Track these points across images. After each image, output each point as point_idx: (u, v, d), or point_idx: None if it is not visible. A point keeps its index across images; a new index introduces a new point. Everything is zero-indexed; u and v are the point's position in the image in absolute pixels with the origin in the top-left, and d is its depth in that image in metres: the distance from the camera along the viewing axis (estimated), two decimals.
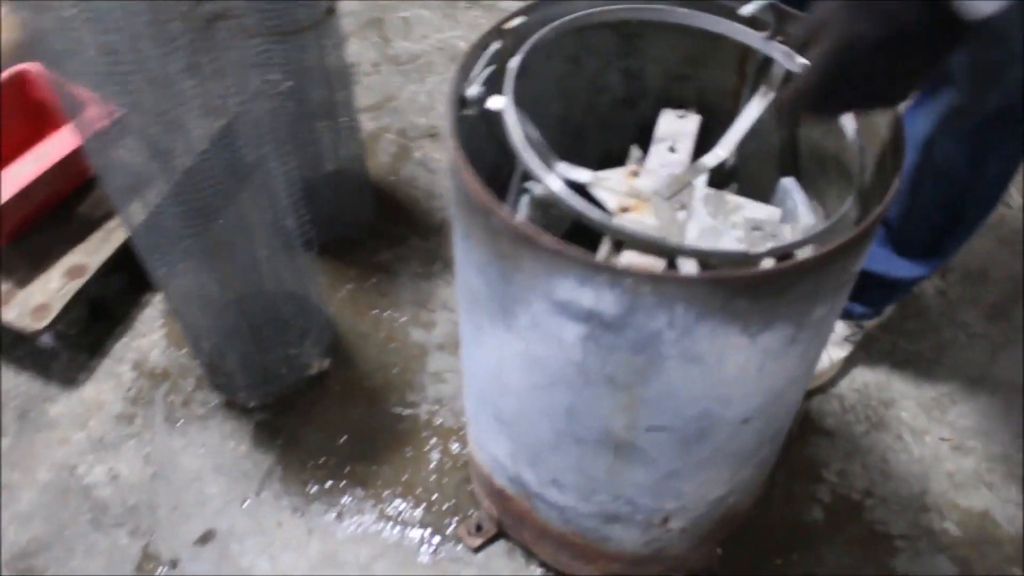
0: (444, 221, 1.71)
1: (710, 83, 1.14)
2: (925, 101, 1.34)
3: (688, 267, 0.91)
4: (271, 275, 1.33)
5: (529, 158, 0.88)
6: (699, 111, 1.13)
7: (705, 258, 0.83)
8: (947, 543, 1.31)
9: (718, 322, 0.79)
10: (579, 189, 0.98)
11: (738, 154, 1.08)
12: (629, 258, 0.95)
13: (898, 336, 1.54)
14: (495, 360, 0.99)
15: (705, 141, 1.13)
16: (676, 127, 1.10)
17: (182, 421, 1.46)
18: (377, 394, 1.49)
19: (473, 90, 0.94)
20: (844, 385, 1.48)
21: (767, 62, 1.02)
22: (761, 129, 1.08)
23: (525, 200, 1.03)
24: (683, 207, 0.97)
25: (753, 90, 1.09)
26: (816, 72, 0.73)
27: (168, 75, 1.01)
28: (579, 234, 0.97)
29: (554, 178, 0.87)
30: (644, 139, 1.09)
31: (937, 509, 1.34)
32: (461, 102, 0.94)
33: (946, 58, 0.70)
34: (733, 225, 0.96)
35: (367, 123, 1.91)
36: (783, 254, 0.82)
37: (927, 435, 1.42)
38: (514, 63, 0.95)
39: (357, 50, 2.07)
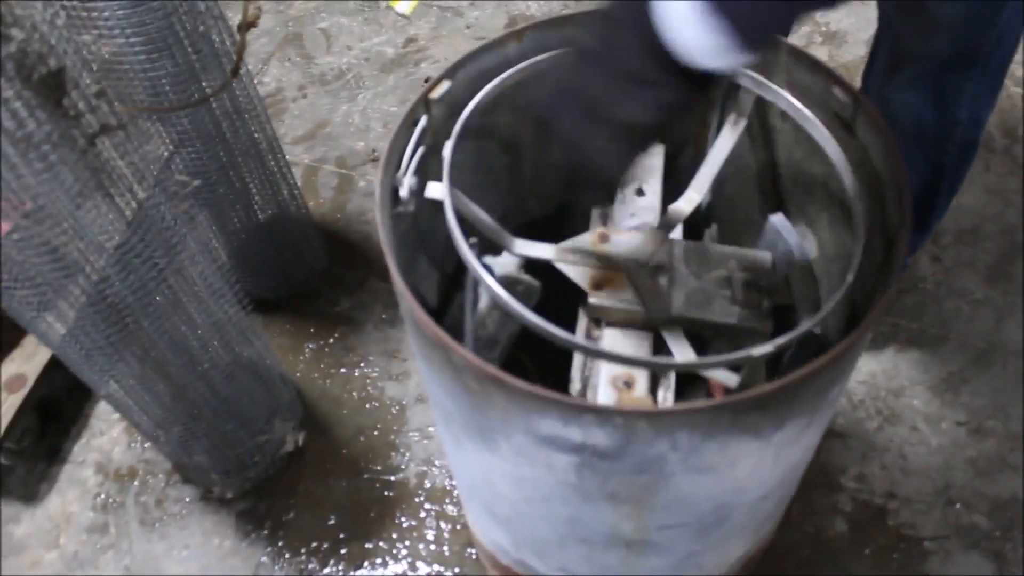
0: None
1: None
2: (873, 61, 1.24)
3: (682, 352, 0.81)
4: (218, 359, 1.21)
5: (473, 262, 0.77)
6: (662, 139, 1.02)
7: (696, 369, 0.73)
8: (979, 537, 1.25)
9: (727, 437, 0.69)
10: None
11: (713, 185, 0.97)
12: (612, 341, 0.86)
13: (898, 316, 1.45)
14: (481, 472, 0.89)
15: (673, 169, 1.02)
16: (640, 163, 0.99)
17: (159, 523, 1.36)
18: (359, 462, 1.39)
19: (406, 185, 0.82)
20: (850, 379, 1.39)
21: (734, 86, 0.91)
22: (736, 153, 0.98)
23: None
24: (663, 270, 0.86)
25: (721, 120, 0.98)
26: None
27: (57, 199, 0.89)
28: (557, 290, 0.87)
29: (496, 286, 0.75)
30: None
31: (964, 501, 1.28)
32: (394, 200, 0.82)
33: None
34: (721, 282, 0.85)
35: (302, 156, 1.77)
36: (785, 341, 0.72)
37: (943, 421, 1.35)
38: (447, 150, 0.83)
39: (278, 74, 1.92)
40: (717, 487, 0.78)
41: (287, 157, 1.73)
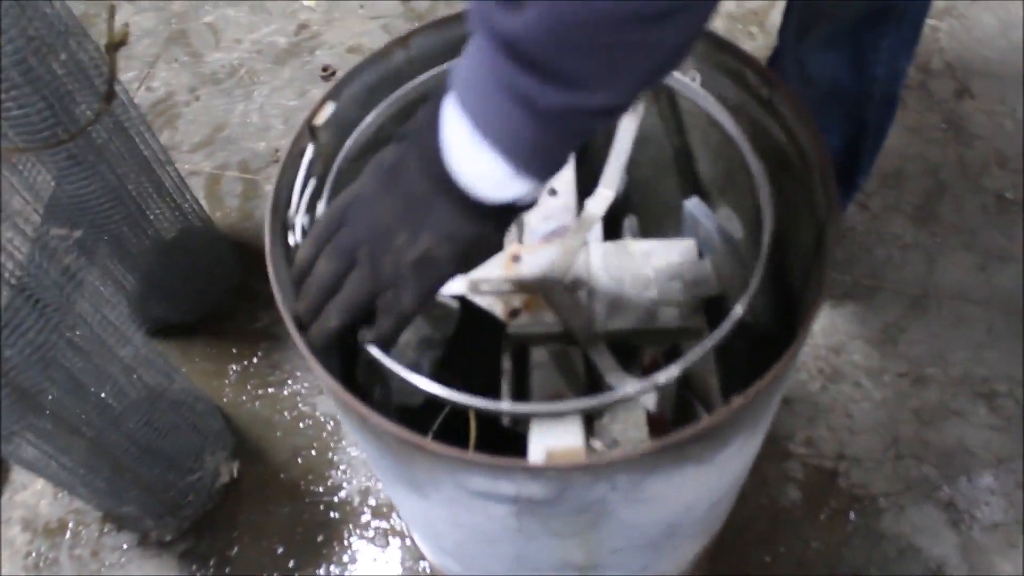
0: None
1: None
2: (787, 20, 1.20)
3: (609, 368, 0.76)
4: (134, 405, 1.14)
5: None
6: None
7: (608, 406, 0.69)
8: (929, 489, 1.25)
9: (669, 470, 0.65)
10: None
11: (627, 174, 0.92)
12: (539, 360, 0.81)
13: (830, 267, 1.43)
14: (421, 514, 0.84)
15: (585, 158, 0.97)
16: None
17: None
18: (299, 485, 1.33)
19: (298, 227, 0.76)
20: None
21: None
22: (649, 136, 0.93)
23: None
24: (581, 283, 0.82)
25: None
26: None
27: None
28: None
29: (381, 356, 0.69)
30: None
31: (912, 454, 1.27)
32: (286, 249, 0.76)
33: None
34: (645, 283, 0.81)
35: (202, 164, 1.67)
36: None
37: (885, 374, 1.34)
38: (330, 177, 0.76)
39: (166, 77, 1.80)
40: (664, 511, 0.74)
41: (186, 166, 1.65)
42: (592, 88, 0.48)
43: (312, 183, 0.79)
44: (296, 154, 0.78)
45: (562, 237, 0.86)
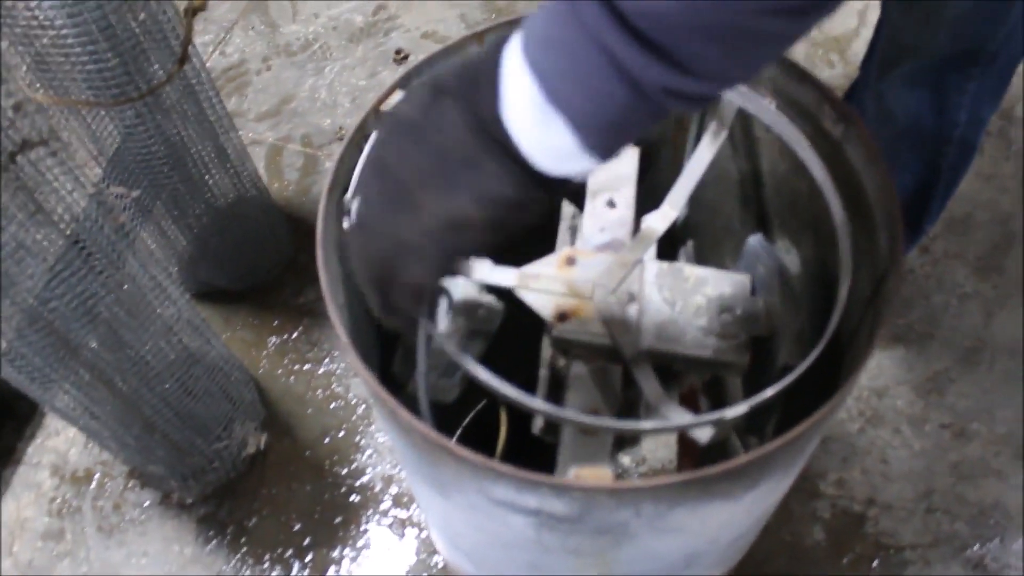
0: None
1: None
2: (871, 52, 1.17)
3: (651, 388, 0.75)
4: (172, 368, 1.15)
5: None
6: (637, 142, 0.95)
7: (666, 432, 0.67)
8: (959, 546, 1.21)
9: (695, 503, 0.64)
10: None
11: (691, 196, 0.90)
12: (577, 374, 0.80)
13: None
14: (440, 512, 0.84)
15: (648, 175, 0.95)
16: (612, 170, 0.92)
17: (117, 529, 1.32)
18: (324, 465, 1.34)
19: (353, 212, 0.75)
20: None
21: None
22: (717, 159, 0.91)
23: (443, 306, 0.86)
24: (633, 298, 0.80)
25: (701, 125, 0.91)
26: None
27: None
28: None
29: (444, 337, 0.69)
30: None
31: (945, 508, 1.24)
32: (339, 232, 0.76)
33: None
34: (696, 310, 0.79)
35: (266, 135, 1.69)
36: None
37: (927, 423, 1.30)
38: None
39: (241, 44, 1.82)
40: (686, 542, 0.73)
41: (250, 135, 1.66)
42: (702, 75, 0.45)
43: None
44: (359, 139, 0.78)
45: (616, 250, 0.84)
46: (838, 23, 1.77)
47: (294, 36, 1.83)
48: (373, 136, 0.57)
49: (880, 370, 1.35)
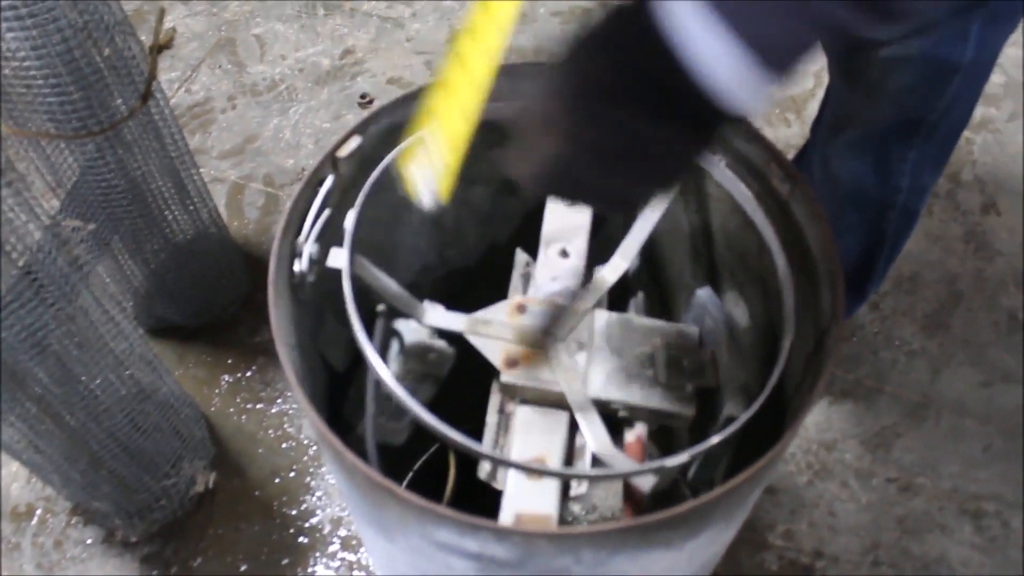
0: None
1: None
2: (820, 116, 1.21)
3: (597, 435, 0.76)
4: (121, 403, 1.14)
5: (368, 348, 0.71)
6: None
7: (609, 480, 0.68)
8: None
9: (636, 552, 0.64)
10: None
11: (642, 248, 0.92)
12: (524, 420, 0.80)
13: (834, 365, 1.42)
14: (386, 556, 0.83)
15: (601, 227, 0.97)
16: (566, 221, 0.94)
17: (57, 567, 1.29)
18: (273, 505, 1.32)
19: (305, 254, 0.76)
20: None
21: None
22: (669, 214, 0.93)
23: (395, 348, 0.86)
24: (582, 346, 0.81)
25: None
26: (531, 177, 0.59)
27: None
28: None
29: (388, 378, 0.70)
30: (532, 230, 0.92)
31: (891, 562, 1.25)
32: (291, 274, 0.76)
33: (691, 161, 0.57)
34: (644, 361, 0.80)
35: (228, 172, 1.69)
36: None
37: (874, 477, 1.32)
38: (349, 220, 0.77)
39: (207, 82, 1.82)
40: None
41: (212, 172, 1.66)
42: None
43: (326, 213, 0.79)
44: (315, 182, 0.79)
45: (567, 299, 0.86)
46: (795, 83, 1.82)
47: (261, 76, 1.84)
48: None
49: (829, 424, 1.37)
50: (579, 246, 0.92)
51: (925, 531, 1.28)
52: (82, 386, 1.07)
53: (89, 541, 1.30)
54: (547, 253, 0.91)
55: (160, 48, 1.08)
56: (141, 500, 1.24)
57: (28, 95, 1.05)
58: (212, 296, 1.48)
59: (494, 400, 0.85)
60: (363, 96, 1.78)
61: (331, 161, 0.80)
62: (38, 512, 1.33)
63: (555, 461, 0.75)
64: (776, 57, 0.48)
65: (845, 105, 1.08)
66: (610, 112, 0.52)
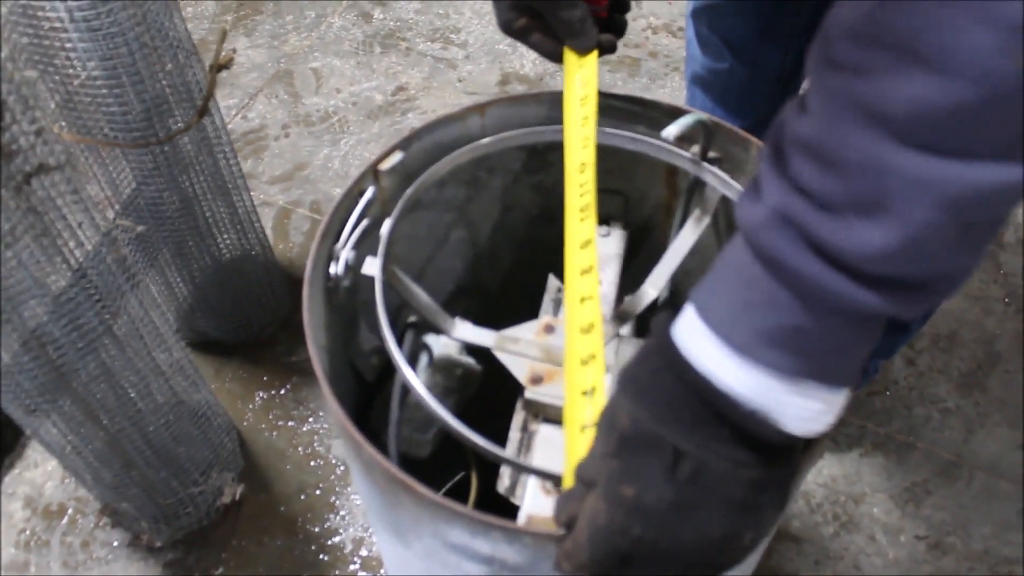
0: None
1: (636, 196, 0.99)
2: None
3: None
4: (158, 408, 1.17)
5: (396, 353, 0.72)
6: (625, 225, 0.99)
7: None
8: None
9: None
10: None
11: (672, 279, 0.93)
12: (547, 437, 0.81)
13: (866, 418, 1.41)
14: (401, 563, 0.84)
15: (633, 257, 0.99)
16: (599, 250, 0.95)
17: (82, 567, 1.31)
18: (297, 521, 1.34)
19: (341, 259, 0.78)
20: (810, 480, 1.35)
21: (699, 181, 0.88)
22: (700, 246, 0.94)
23: (423, 361, 0.88)
24: (608, 370, 0.82)
25: (686, 211, 0.95)
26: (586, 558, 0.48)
27: None
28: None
29: (418, 387, 0.71)
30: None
31: None
32: (327, 277, 0.79)
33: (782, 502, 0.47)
34: None
35: (276, 197, 1.74)
36: None
37: (902, 534, 1.30)
38: (385, 228, 0.79)
39: (263, 111, 1.89)
40: None
41: (261, 195, 1.71)
42: (948, 287, 0.40)
43: (365, 222, 0.82)
44: (356, 193, 0.82)
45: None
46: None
47: (315, 107, 1.90)
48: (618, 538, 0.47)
49: (859, 476, 1.35)
50: (610, 275, 0.94)
51: None
52: (122, 390, 1.10)
53: (115, 543, 1.33)
54: None
55: (220, 68, 1.13)
56: (169, 506, 1.26)
57: (92, 104, 1.10)
58: (252, 314, 1.52)
59: (517, 418, 0.86)
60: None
61: (372, 173, 0.83)
62: (69, 512, 1.36)
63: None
64: (849, 379, 0.43)
65: None
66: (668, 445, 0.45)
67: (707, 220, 0.89)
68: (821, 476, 1.35)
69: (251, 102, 1.91)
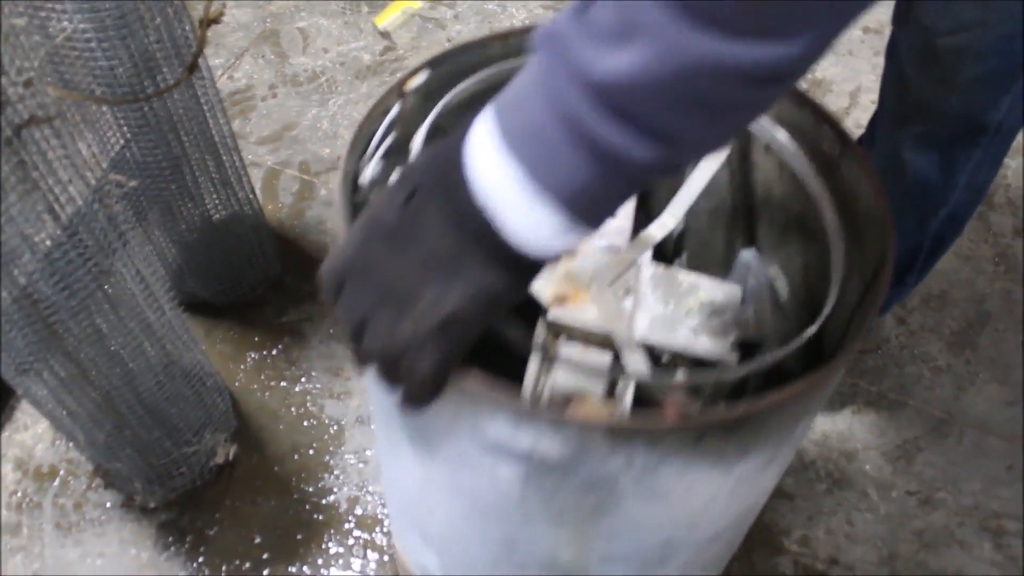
0: None
1: None
2: (880, 115, 1.21)
3: (636, 363, 0.76)
4: (150, 366, 1.15)
5: None
6: None
7: (662, 386, 0.68)
8: None
9: (686, 461, 0.64)
10: None
11: (686, 215, 0.93)
12: (569, 352, 0.81)
13: (859, 377, 1.42)
14: (416, 483, 0.83)
15: (646, 193, 0.98)
16: None
17: (75, 528, 1.30)
18: (291, 481, 1.33)
19: (369, 171, 0.78)
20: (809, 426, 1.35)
21: None
22: (713, 185, 0.94)
23: None
24: (628, 292, 0.82)
25: None
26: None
27: None
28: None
29: None
30: None
31: (908, 573, 1.24)
32: (355, 187, 0.78)
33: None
34: (688, 312, 0.81)
35: (265, 158, 1.72)
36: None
37: (893, 489, 1.31)
38: (417, 141, 0.79)
39: (250, 70, 1.86)
40: (668, 517, 0.73)
41: (250, 156, 1.69)
42: (681, 146, 0.44)
43: (391, 138, 0.81)
44: (381, 111, 0.81)
45: (616, 252, 0.87)
46: (831, 102, 1.83)
47: (302, 68, 1.88)
48: (347, 238, 0.55)
49: (851, 434, 1.37)
50: (626, 208, 0.93)
51: (944, 546, 1.26)
52: (113, 348, 1.08)
53: (108, 505, 1.32)
54: None
55: (210, 21, 1.10)
56: (162, 466, 1.25)
57: (80, 59, 1.07)
58: (242, 275, 1.50)
59: (539, 339, 0.85)
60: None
61: (398, 91, 0.82)
62: (60, 474, 1.35)
63: (596, 398, 0.76)
64: (585, 213, 0.48)
65: (914, 98, 1.08)
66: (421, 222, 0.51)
67: (724, 153, 0.88)
68: (815, 434, 1.36)
69: (237, 62, 1.88)
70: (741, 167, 0.93)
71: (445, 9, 1.99)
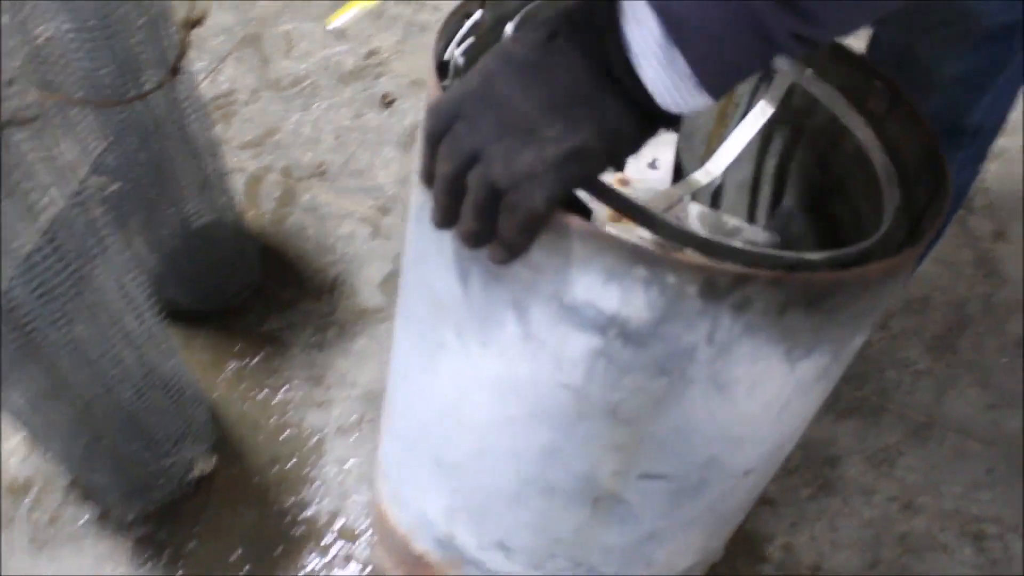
0: (338, 279, 1.53)
1: None
2: None
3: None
4: (129, 375, 1.14)
5: None
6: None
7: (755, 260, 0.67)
8: None
9: (762, 340, 0.64)
10: None
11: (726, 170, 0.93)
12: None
13: (841, 381, 1.42)
14: (454, 388, 0.81)
15: (688, 146, 1.01)
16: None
17: (50, 543, 1.27)
18: (270, 493, 1.32)
19: (452, 63, 0.77)
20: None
21: (769, 71, 0.87)
22: (752, 145, 0.94)
23: None
24: (679, 221, 0.83)
25: (750, 101, 0.94)
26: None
27: None
28: None
29: None
30: None
31: None
32: (442, 68, 0.77)
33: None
34: None
35: (247, 163, 1.70)
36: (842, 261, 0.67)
37: (876, 494, 1.32)
38: (509, 29, 0.79)
39: (233, 74, 1.84)
40: (723, 421, 0.72)
41: (233, 161, 1.67)
42: (825, 25, 0.49)
43: (470, 40, 0.80)
44: (462, 14, 0.80)
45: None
46: None
47: (285, 72, 1.86)
48: (479, 68, 0.56)
49: (833, 439, 1.37)
50: (666, 160, 0.94)
51: (926, 550, 1.27)
52: (92, 356, 1.07)
53: (84, 519, 1.29)
54: (637, 164, 0.93)
55: (193, 23, 1.09)
56: (140, 478, 1.23)
57: (61, 60, 1.06)
58: (223, 282, 1.49)
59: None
60: (385, 96, 1.80)
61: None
62: (35, 488, 1.32)
63: None
64: (718, 76, 0.51)
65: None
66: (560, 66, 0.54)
67: (771, 110, 0.87)
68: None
69: (220, 66, 1.86)
70: (783, 128, 0.94)
71: (429, 14, 1.99)
